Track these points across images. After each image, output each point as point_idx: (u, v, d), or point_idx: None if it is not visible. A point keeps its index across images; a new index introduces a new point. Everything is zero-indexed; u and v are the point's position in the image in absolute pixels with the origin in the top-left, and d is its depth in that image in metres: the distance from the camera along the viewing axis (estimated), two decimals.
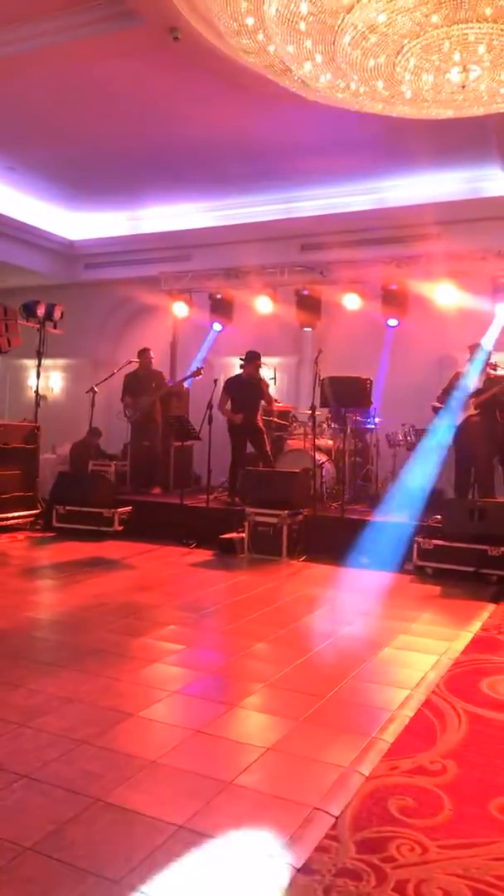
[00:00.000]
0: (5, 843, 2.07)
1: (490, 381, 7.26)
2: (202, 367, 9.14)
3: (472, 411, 7.18)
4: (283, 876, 1.96)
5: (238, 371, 8.50)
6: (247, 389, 8.16)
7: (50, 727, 2.87)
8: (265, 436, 8.31)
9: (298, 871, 1.98)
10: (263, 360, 8.57)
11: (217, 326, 10.19)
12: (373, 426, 8.74)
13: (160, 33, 5.67)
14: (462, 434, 7.27)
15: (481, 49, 5.07)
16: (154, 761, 2.62)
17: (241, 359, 8.42)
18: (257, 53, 5.61)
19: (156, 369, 9.42)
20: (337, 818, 2.26)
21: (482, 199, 8.56)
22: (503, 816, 2.30)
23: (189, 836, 2.15)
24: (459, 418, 7.25)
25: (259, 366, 8.36)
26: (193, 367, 9.39)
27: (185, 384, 9.84)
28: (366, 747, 2.78)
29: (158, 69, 6.31)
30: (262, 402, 8.31)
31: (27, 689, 3.29)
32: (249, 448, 8.33)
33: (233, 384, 8.27)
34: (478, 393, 7.19)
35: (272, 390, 9.76)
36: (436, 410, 7.55)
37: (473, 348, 7.46)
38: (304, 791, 2.43)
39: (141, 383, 9.14)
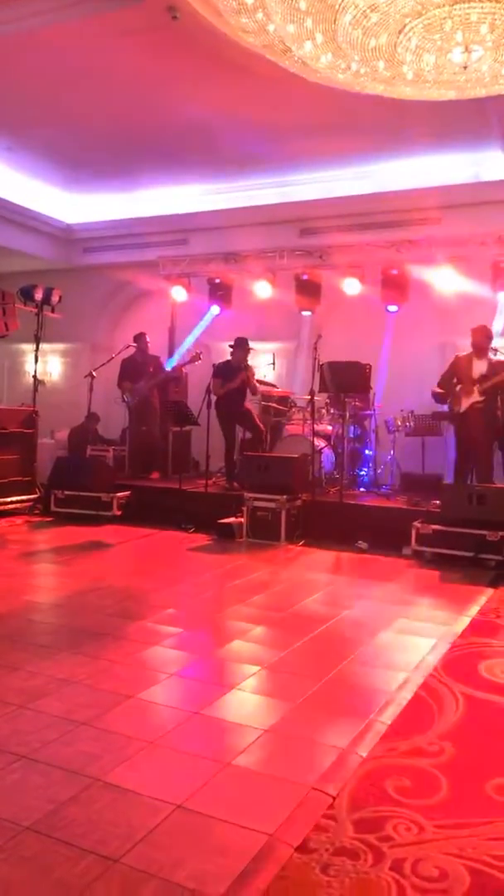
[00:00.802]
0: (4, 822, 2.09)
1: (494, 366, 7.14)
2: (201, 353, 9.09)
3: (477, 397, 7.08)
4: (282, 854, 1.97)
5: (228, 356, 8.45)
6: (235, 375, 8.11)
7: (49, 709, 2.89)
8: (253, 415, 8.28)
9: (296, 849, 1.99)
10: (263, 344, 8.53)
11: (215, 309, 10.13)
12: (372, 412, 8.73)
13: (159, 13, 5.59)
14: (464, 420, 7.21)
15: (483, 29, 5.01)
16: (152, 742, 2.63)
17: (229, 345, 8.39)
18: (257, 33, 5.54)
19: (152, 354, 9.38)
20: (335, 798, 2.27)
21: (483, 182, 8.49)
22: (499, 797, 2.32)
23: (187, 815, 2.16)
24: (463, 404, 7.16)
25: (247, 352, 8.29)
26: (187, 348, 9.32)
27: (184, 369, 9.80)
28: (364, 729, 2.79)
29: (157, 49, 6.22)
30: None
31: (26, 671, 3.30)
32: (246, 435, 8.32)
33: (222, 369, 8.23)
34: (483, 379, 7.08)
35: (271, 376, 9.75)
36: (436, 396, 7.50)
37: (478, 332, 7.29)
38: (302, 772, 2.44)
39: (138, 368, 9.10)
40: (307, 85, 6.26)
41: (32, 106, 7.58)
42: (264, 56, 5.89)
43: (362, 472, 8.68)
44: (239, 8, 5.25)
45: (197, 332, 10.28)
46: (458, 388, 7.20)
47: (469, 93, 6.04)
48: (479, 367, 7.14)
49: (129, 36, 6.04)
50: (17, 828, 2.06)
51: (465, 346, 7.54)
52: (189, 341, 10.25)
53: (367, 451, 8.79)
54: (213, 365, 8.40)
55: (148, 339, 9.27)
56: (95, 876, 1.86)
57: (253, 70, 6.28)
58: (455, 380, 7.25)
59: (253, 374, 8.33)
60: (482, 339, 7.24)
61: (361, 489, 8.24)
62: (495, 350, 7.46)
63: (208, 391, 7.79)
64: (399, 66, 5.59)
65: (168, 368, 9.74)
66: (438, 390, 7.42)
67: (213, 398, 7.87)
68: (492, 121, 7.28)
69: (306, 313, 9.73)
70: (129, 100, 7.34)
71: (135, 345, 9.21)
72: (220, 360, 8.56)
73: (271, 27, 5.41)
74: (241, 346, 8.22)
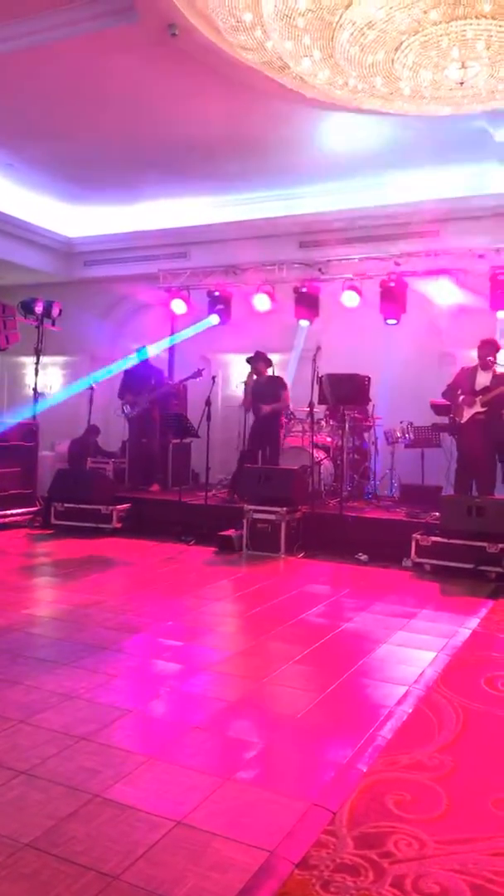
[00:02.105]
0: (4, 839, 2.08)
1: (497, 378, 7.17)
2: (203, 368, 9.14)
3: (479, 409, 7.12)
4: (282, 871, 1.96)
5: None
6: (260, 390, 8.23)
7: (48, 724, 2.88)
8: (276, 437, 8.36)
9: (297, 866, 1.98)
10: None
11: (214, 318, 10.16)
12: (371, 423, 8.74)
13: (158, 29, 5.65)
14: (465, 431, 7.24)
15: (479, 46, 5.07)
16: (152, 757, 2.63)
17: (248, 360, 8.58)
18: (255, 50, 5.61)
19: (155, 367, 9.42)
20: (335, 814, 2.26)
21: (481, 196, 8.55)
22: (501, 812, 2.31)
23: (187, 831, 2.15)
24: (465, 416, 7.20)
25: (263, 365, 8.43)
26: (192, 369, 9.40)
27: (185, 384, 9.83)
28: (364, 743, 2.78)
29: (156, 65, 6.29)
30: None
31: (25, 685, 3.29)
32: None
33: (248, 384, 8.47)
34: (486, 391, 7.12)
35: None
36: (436, 407, 7.51)
37: (484, 345, 7.32)
38: (302, 787, 2.44)
39: (140, 381, 9.13)
40: (305, 100, 6.32)
41: (33, 122, 7.65)
42: (263, 72, 5.95)
43: (363, 483, 8.68)
44: (237, 25, 5.32)
45: (188, 333, 10.30)
46: (461, 398, 7.24)
47: (466, 108, 6.10)
48: (483, 380, 7.19)
49: (128, 52, 6.11)
50: (16, 844, 2.05)
51: (463, 358, 7.58)
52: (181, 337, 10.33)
53: (366, 464, 8.79)
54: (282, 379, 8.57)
55: (150, 353, 9.33)
56: (95, 893, 1.85)
57: (251, 85, 6.33)
58: (459, 391, 7.30)
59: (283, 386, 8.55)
60: (488, 351, 7.28)
61: (361, 501, 8.23)
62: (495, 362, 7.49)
63: (208, 403, 7.81)
64: (396, 82, 5.65)
65: (171, 383, 9.79)
66: (441, 401, 7.45)
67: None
68: (489, 134, 7.32)
69: (304, 325, 9.77)
70: (129, 115, 7.40)
71: (135, 357, 9.26)
72: (271, 375, 8.65)
73: (269, 44, 5.47)
74: (252, 361, 8.48)
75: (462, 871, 1.97)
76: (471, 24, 4.92)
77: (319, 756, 2.69)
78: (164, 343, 10.53)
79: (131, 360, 9.34)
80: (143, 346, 9.36)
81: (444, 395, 7.44)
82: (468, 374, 7.32)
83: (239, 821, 2.22)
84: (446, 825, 2.21)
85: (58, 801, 2.29)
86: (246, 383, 8.59)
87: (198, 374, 8.80)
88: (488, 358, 7.23)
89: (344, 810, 2.28)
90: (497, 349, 7.30)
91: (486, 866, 2.00)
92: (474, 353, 7.41)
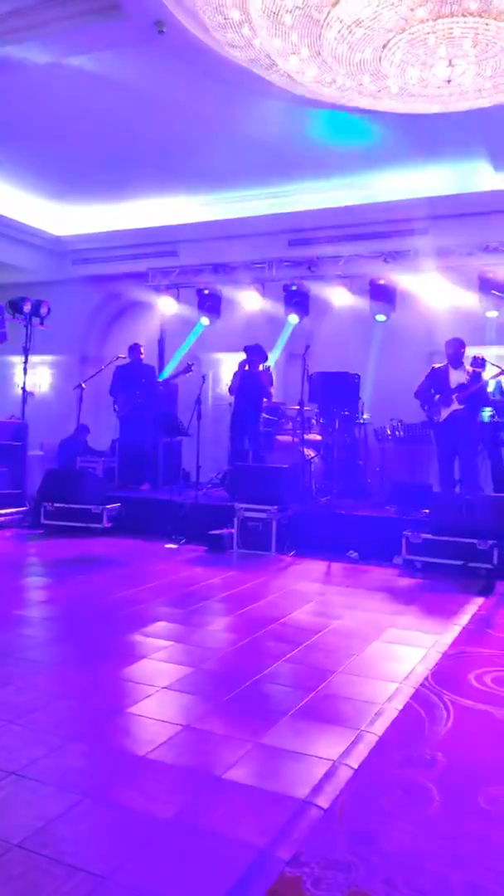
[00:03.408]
0: None
1: (472, 376, 7.28)
2: (192, 364, 9.12)
3: (457, 406, 7.19)
4: (273, 869, 1.96)
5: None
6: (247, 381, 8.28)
7: (39, 724, 2.86)
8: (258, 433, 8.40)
9: (287, 863, 1.98)
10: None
11: (204, 321, 10.16)
12: (361, 421, 8.75)
13: (145, 27, 5.63)
14: (444, 429, 7.30)
15: (466, 44, 5.08)
16: (143, 757, 2.62)
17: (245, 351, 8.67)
18: (243, 48, 5.60)
19: (147, 364, 9.40)
20: (326, 811, 2.26)
21: (469, 193, 8.57)
22: (492, 808, 2.31)
23: (178, 830, 2.14)
24: (443, 414, 7.27)
25: (255, 360, 8.46)
26: (182, 364, 9.39)
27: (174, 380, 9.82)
28: (354, 740, 2.78)
29: (144, 63, 6.27)
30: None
31: (15, 686, 3.27)
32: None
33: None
34: (462, 388, 7.19)
35: None
36: (421, 404, 7.57)
37: (451, 345, 7.40)
38: (293, 784, 2.43)
39: (131, 379, 9.11)
40: (294, 98, 6.32)
41: (20, 120, 7.61)
42: (251, 70, 5.94)
43: (353, 481, 8.69)
44: (225, 23, 5.31)
45: (189, 344, 10.31)
46: (437, 398, 7.30)
47: (453, 106, 6.12)
48: (457, 377, 7.27)
49: (115, 50, 6.08)
50: (5, 845, 2.04)
51: (443, 357, 7.64)
52: (182, 354, 10.29)
53: (357, 461, 8.80)
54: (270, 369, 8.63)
55: (143, 351, 9.31)
56: (85, 894, 1.84)
57: (239, 83, 6.32)
58: (433, 390, 7.35)
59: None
60: (457, 350, 7.37)
61: (351, 499, 8.24)
62: (481, 360, 7.58)
63: (198, 402, 7.80)
64: (384, 80, 5.65)
65: (160, 380, 9.76)
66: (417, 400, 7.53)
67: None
68: (478, 132, 7.34)
69: (294, 322, 9.77)
70: (117, 113, 7.37)
71: (124, 356, 9.22)
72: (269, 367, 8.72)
73: (257, 42, 5.47)
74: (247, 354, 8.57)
75: (454, 867, 1.97)
76: (458, 22, 4.93)
77: (310, 753, 2.68)
78: (154, 341, 10.52)
79: (121, 359, 9.31)
80: (134, 344, 9.33)
81: (416, 395, 7.49)
82: (440, 374, 7.39)
83: (229, 818, 2.21)
84: (438, 822, 2.21)
85: (47, 802, 2.27)
86: (235, 373, 8.60)
87: (188, 369, 8.79)
88: (462, 356, 7.33)
89: (335, 807, 2.28)
90: (464, 347, 7.40)
91: (479, 862, 2.00)
92: (467, 351, 7.47)
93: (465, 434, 7.17)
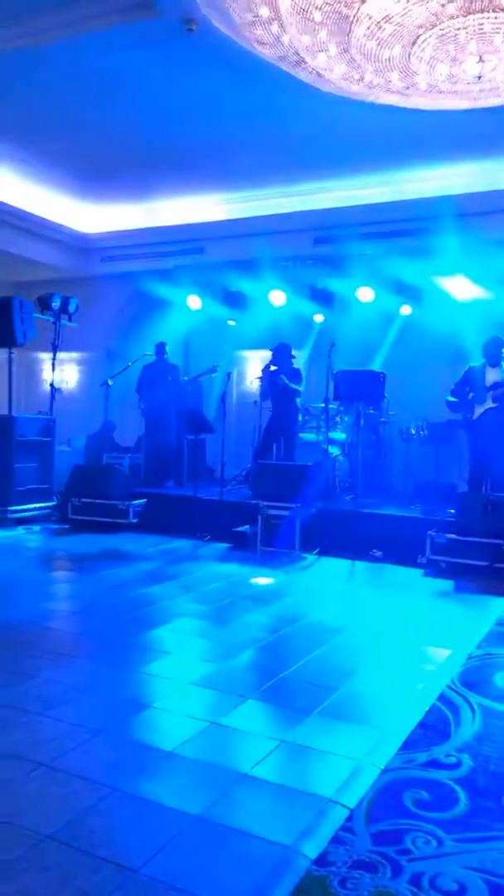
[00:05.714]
0: (25, 831, 2.11)
1: None
2: (217, 365, 9.16)
3: (491, 404, 7.13)
4: (300, 867, 1.97)
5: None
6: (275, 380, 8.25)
7: (67, 717, 2.91)
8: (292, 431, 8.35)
9: (314, 862, 2.00)
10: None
11: (232, 322, 10.20)
12: (386, 420, 8.71)
13: (175, 25, 5.64)
14: (477, 427, 7.24)
15: (497, 39, 5.02)
16: (170, 752, 2.65)
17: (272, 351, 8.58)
18: (272, 45, 5.59)
19: (172, 363, 9.46)
20: (352, 810, 2.27)
21: (498, 191, 8.48)
22: None
23: (205, 826, 2.17)
24: (476, 412, 7.21)
25: (283, 360, 8.42)
26: (209, 366, 9.38)
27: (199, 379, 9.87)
28: (380, 740, 2.79)
29: (173, 61, 6.28)
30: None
31: (43, 679, 3.32)
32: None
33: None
34: (496, 386, 7.14)
35: None
36: (451, 404, 7.51)
37: (489, 345, 7.37)
38: (319, 783, 2.45)
39: (157, 377, 9.18)
40: (321, 95, 6.29)
41: (49, 118, 7.67)
42: (279, 67, 5.93)
43: (378, 480, 8.66)
44: (254, 20, 5.30)
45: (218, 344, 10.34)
46: (471, 396, 7.25)
47: (483, 102, 6.05)
48: (492, 376, 7.21)
49: (144, 48, 6.10)
50: (37, 836, 2.08)
51: (479, 355, 7.57)
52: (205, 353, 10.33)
53: (381, 460, 8.77)
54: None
55: (167, 350, 9.38)
56: (115, 886, 1.87)
57: (268, 80, 6.32)
58: (468, 388, 7.31)
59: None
60: (495, 349, 7.31)
61: (376, 497, 8.21)
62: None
63: (223, 399, 7.82)
64: (413, 76, 5.61)
65: (186, 379, 9.82)
66: (452, 399, 7.46)
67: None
68: None
69: (319, 320, 9.75)
70: (145, 111, 7.40)
71: (151, 354, 9.29)
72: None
73: (286, 39, 5.45)
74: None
75: (480, 869, 1.97)
76: (488, 18, 4.88)
77: (336, 753, 2.69)
78: (180, 339, 10.57)
79: (148, 356, 9.38)
80: (160, 342, 9.40)
81: (452, 393, 7.46)
82: (476, 373, 7.34)
83: (256, 816, 2.23)
84: (464, 823, 2.21)
85: (77, 794, 2.31)
86: (263, 374, 8.58)
87: (212, 370, 8.82)
88: (499, 355, 7.27)
89: (361, 807, 2.29)
90: (501, 346, 7.34)
91: None
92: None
93: (496, 432, 7.11)
